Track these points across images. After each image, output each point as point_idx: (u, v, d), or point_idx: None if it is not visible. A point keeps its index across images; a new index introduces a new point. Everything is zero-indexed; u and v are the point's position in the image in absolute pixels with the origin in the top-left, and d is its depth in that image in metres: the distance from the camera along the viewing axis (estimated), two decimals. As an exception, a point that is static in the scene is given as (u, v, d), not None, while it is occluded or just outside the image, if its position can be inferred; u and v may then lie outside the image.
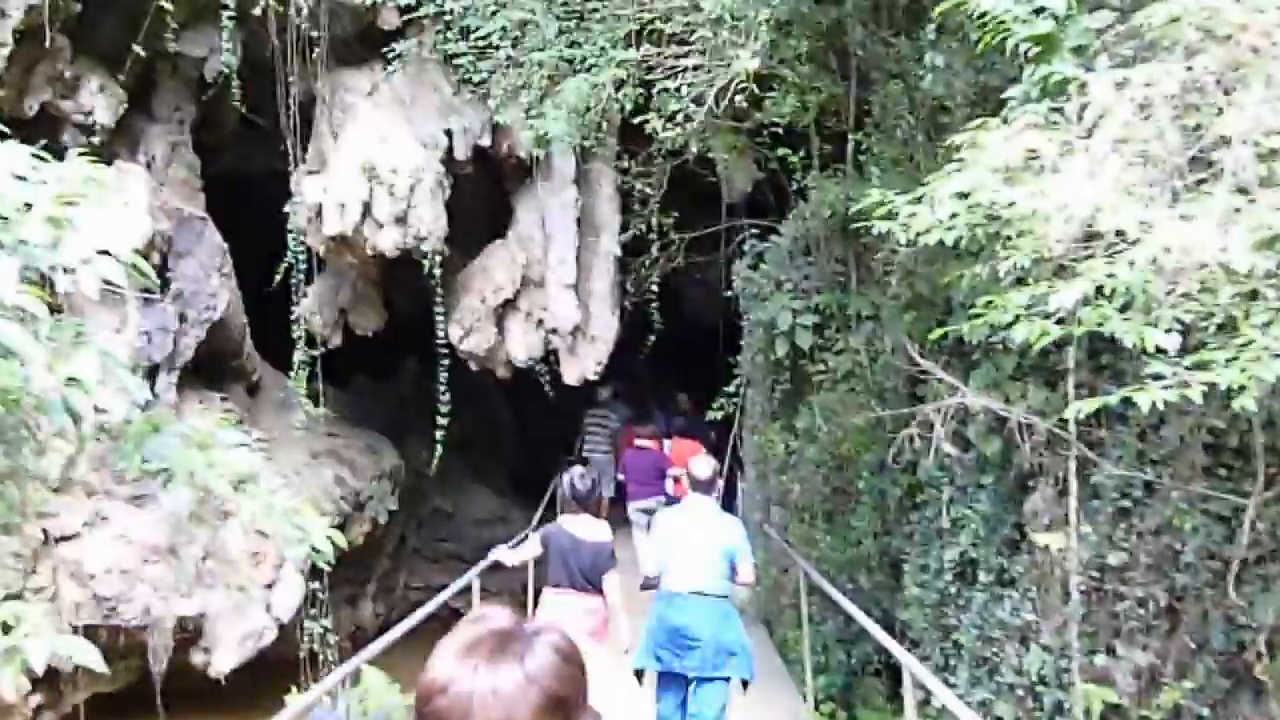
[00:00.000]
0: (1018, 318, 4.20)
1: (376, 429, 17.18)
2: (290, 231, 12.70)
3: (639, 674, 7.43)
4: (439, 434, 13.62)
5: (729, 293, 12.79)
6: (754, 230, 12.47)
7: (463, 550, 18.51)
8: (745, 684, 7.41)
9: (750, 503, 13.22)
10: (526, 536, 12.79)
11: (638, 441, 14.76)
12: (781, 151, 11.68)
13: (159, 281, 13.03)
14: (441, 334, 13.21)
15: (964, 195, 4.31)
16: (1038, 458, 6.15)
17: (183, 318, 13.08)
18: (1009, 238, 4.49)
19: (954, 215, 4.42)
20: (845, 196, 10.60)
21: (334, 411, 17.27)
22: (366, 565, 16.77)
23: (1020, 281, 4.48)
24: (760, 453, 12.16)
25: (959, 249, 7.51)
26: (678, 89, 7.94)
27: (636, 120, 9.82)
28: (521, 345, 13.93)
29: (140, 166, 12.83)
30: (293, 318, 12.96)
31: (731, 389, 12.57)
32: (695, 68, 7.54)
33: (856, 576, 9.64)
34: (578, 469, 8.34)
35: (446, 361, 13.36)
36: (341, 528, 15.08)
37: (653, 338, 14.07)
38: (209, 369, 14.14)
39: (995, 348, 6.66)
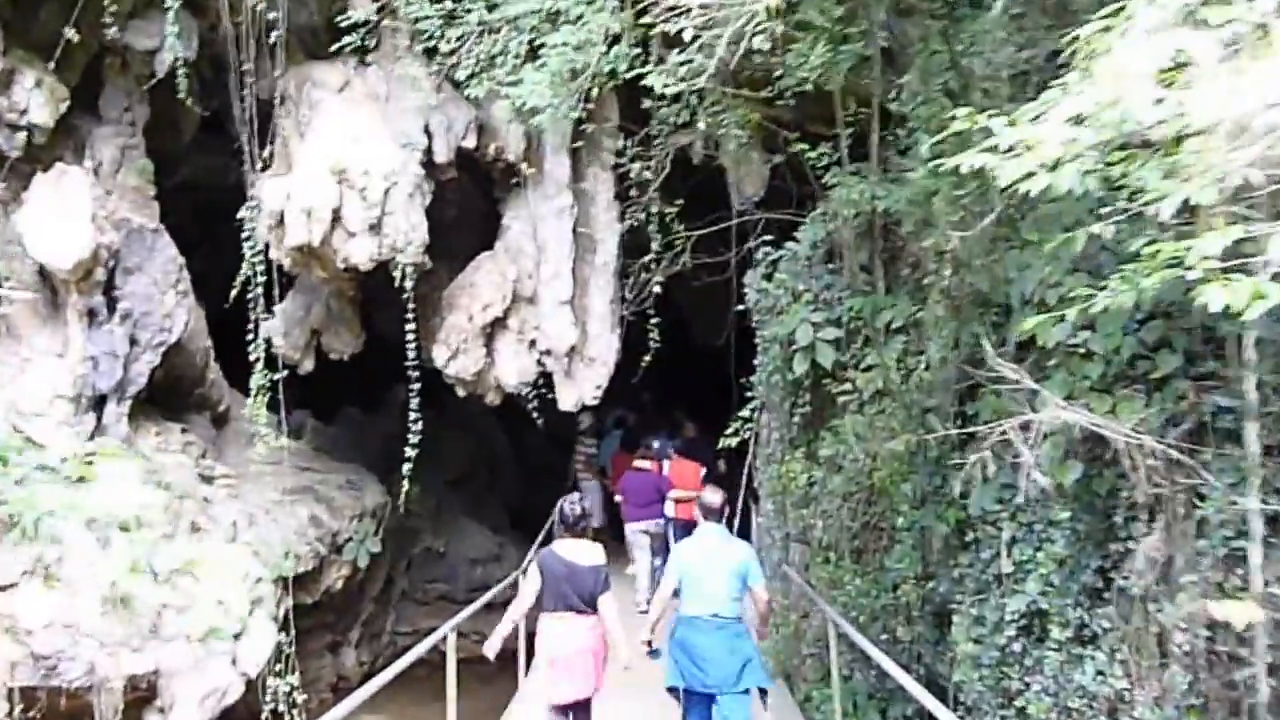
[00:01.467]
0: (1207, 277, 2.95)
1: (366, 463, 16.02)
2: (247, 240, 11.52)
3: (673, 691, 7.72)
4: (406, 467, 12.38)
5: (740, 306, 11.56)
6: (767, 238, 11.24)
7: (455, 592, 17.34)
8: (764, 694, 7.79)
9: (767, 539, 11.91)
10: (516, 580, 11.75)
11: (636, 463, 14.03)
12: (799, 146, 10.50)
13: (105, 300, 11.92)
14: (413, 354, 11.93)
15: (1080, 121, 3.13)
16: (1152, 487, 4.91)
17: (134, 341, 11.93)
18: (1135, 194, 3.28)
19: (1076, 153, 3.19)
20: (872, 195, 9.46)
21: (321, 446, 16.14)
22: (349, 610, 15.55)
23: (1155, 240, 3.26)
24: (778, 484, 10.88)
25: (1014, 234, 6.33)
26: (680, 33, 6.68)
27: (631, 75, 8.53)
28: (513, 368, 12.72)
29: (83, 170, 11.71)
30: (250, 338, 11.74)
31: (746, 413, 11.29)
32: (703, 6, 6.34)
33: (893, 626, 8.37)
34: (573, 495, 8.34)
35: (418, 386, 12.12)
36: (317, 571, 14.00)
37: (648, 357, 12.78)
38: (167, 397, 12.99)
39: (1075, 351, 5.45)
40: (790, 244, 10.80)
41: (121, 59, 12.05)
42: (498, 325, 12.60)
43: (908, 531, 8.05)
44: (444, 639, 8.49)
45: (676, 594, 7.73)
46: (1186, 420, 5.02)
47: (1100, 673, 5.67)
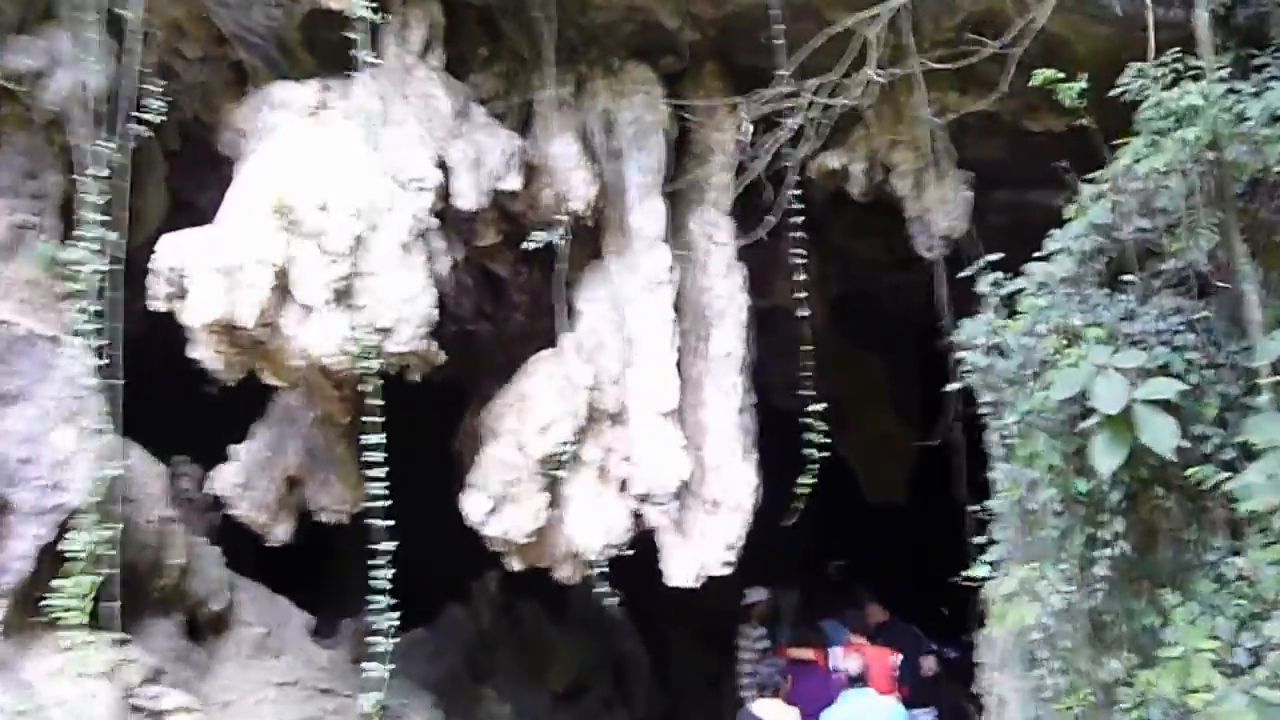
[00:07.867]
0: None
1: (439, 677, 10.79)
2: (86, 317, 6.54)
3: None
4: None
5: (957, 384, 6.05)
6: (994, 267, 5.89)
7: (570, 846, 11.76)
8: None
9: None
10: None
11: (792, 653, 9.61)
12: (1044, 74, 5.29)
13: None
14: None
15: None
16: None
17: (6, 507, 7.02)
18: None
19: None
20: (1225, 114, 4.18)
21: (363, 657, 11.02)
22: None
23: None
24: (1067, 702, 5.15)
25: None
26: None
27: None
28: (594, 524, 7.34)
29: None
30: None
31: (980, 570, 5.65)
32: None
33: None
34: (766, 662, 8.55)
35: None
36: (327, 847, 8.66)
37: (805, 491, 7.29)
38: (106, 593, 8.00)
39: None
40: (1039, 264, 5.43)
41: (23, 107, 7.61)
42: (567, 457, 7.34)
43: None
44: None
45: None
46: None
47: None
